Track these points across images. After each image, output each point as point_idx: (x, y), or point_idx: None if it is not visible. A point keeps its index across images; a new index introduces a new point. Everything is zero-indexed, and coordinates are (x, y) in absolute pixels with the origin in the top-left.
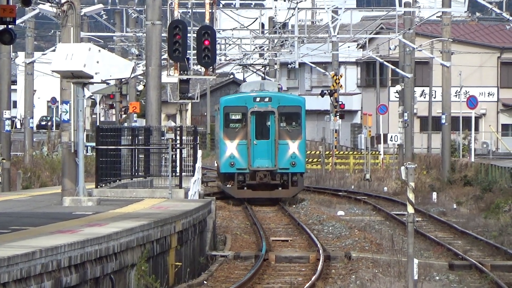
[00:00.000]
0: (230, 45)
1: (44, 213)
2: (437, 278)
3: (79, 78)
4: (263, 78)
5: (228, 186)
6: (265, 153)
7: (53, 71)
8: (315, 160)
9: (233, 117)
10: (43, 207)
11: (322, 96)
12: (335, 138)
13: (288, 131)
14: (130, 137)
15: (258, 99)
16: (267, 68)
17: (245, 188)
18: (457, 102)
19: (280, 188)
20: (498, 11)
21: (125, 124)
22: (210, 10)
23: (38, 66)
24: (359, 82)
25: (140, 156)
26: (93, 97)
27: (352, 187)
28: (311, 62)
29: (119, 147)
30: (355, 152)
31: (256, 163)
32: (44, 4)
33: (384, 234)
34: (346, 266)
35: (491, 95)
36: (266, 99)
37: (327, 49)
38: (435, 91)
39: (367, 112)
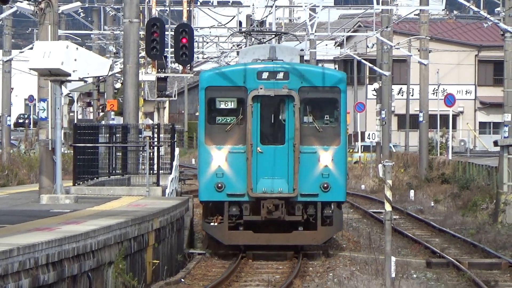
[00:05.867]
0: (207, 43)
1: (21, 211)
2: (415, 276)
3: (56, 76)
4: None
5: (211, 224)
6: (276, 169)
7: (30, 68)
8: None
9: (222, 106)
10: (20, 205)
11: None
12: None
13: (318, 131)
14: (108, 135)
15: (265, 75)
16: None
17: (242, 227)
18: (435, 100)
19: (301, 229)
20: (476, 9)
21: (103, 122)
22: (188, 8)
23: (16, 64)
24: None
25: (118, 154)
26: (70, 95)
27: None
28: None
29: (96, 145)
30: None
31: (262, 185)
32: (21, 2)
33: (361, 232)
34: (324, 264)
35: (468, 93)
36: (280, 75)
37: (304, 47)
38: (413, 89)
39: None
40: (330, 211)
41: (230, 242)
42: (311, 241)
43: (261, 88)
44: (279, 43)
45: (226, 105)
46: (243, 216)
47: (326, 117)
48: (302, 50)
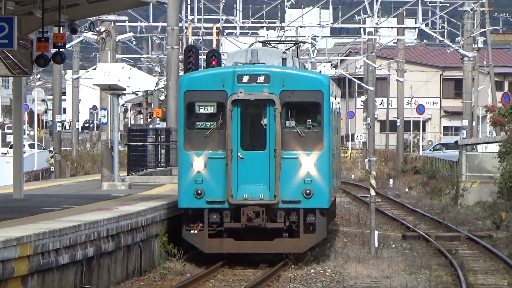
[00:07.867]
0: None
1: (87, 195)
2: (393, 246)
3: (114, 90)
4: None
5: (191, 232)
6: (257, 175)
7: (94, 84)
8: None
9: (202, 111)
10: (86, 190)
11: None
12: None
13: (300, 136)
14: (154, 136)
15: (246, 79)
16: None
17: (224, 235)
18: (409, 109)
19: (285, 235)
20: (441, 38)
21: (150, 126)
22: (217, 38)
23: (83, 81)
24: None
25: (162, 150)
26: (125, 105)
27: None
28: None
29: (145, 143)
30: None
31: (242, 191)
32: (87, 32)
33: (352, 212)
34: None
35: (435, 103)
36: (261, 79)
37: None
38: (392, 101)
39: None
40: (313, 218)
41: (211, 250)
42: (294, 249)
43: (241, 92)
44: (297, 54)
45: (206, 109)
46: (223, 223)
47: (309, 121)
48: (284, 53)
